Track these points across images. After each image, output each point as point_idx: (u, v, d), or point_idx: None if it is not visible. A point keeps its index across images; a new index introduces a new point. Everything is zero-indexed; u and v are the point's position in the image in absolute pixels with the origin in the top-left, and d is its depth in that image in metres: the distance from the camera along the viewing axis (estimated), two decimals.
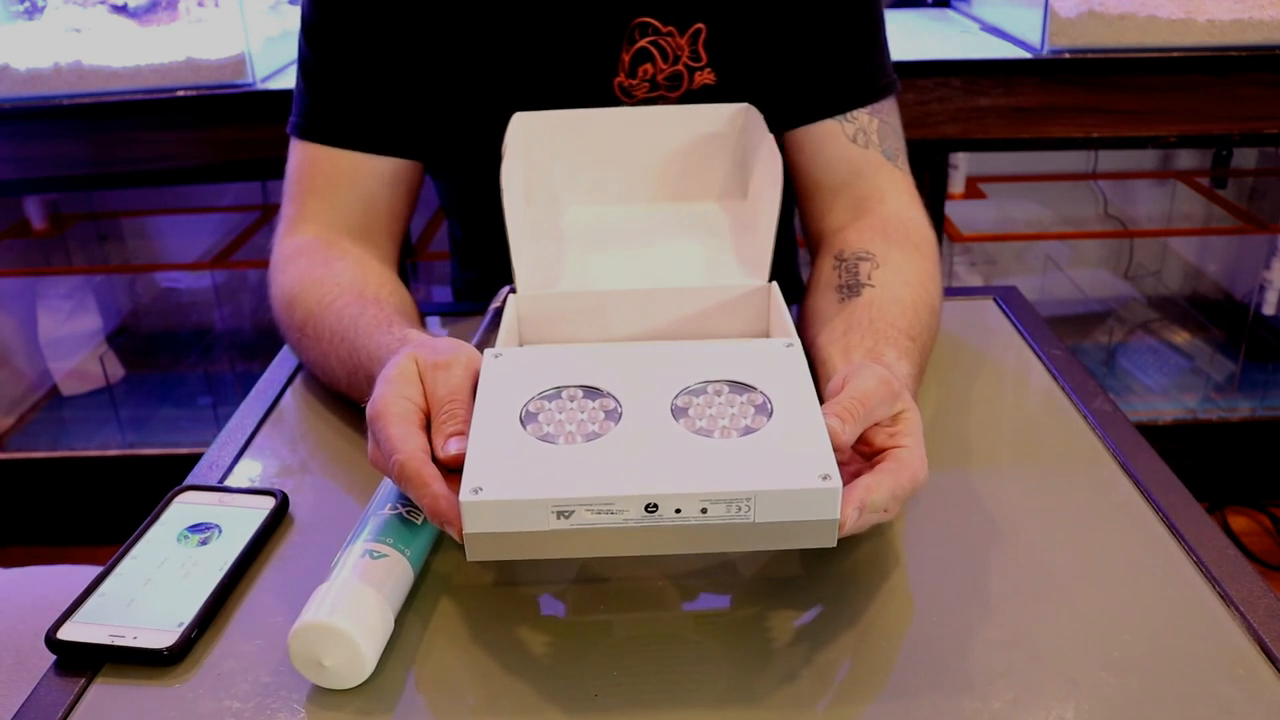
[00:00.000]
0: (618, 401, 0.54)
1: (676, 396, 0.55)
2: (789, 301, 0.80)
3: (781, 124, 0.85)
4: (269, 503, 0.63)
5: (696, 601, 0.56)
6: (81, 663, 0.53)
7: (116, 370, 2.06)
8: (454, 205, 1.01)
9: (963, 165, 1.82)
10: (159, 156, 1.53)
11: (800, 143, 0.85)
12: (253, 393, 0.78)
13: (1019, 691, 0.50)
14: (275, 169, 1.52)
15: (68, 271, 2.05)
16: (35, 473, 1.84)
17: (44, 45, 1.53)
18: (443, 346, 0.60)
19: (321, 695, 0.51)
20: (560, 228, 0.78)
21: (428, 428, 0.55)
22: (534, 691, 0.51)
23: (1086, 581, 0.57)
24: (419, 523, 0.57)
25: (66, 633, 0.53)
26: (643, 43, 0.82)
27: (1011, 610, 0.55)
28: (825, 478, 0.49)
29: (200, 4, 1.61)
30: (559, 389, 0.56)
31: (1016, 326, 0.85)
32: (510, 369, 0.57)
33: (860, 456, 0.57)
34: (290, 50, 1.65)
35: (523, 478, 0.49)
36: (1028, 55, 1.52)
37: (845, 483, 0.50)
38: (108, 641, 0.53)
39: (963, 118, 1.52)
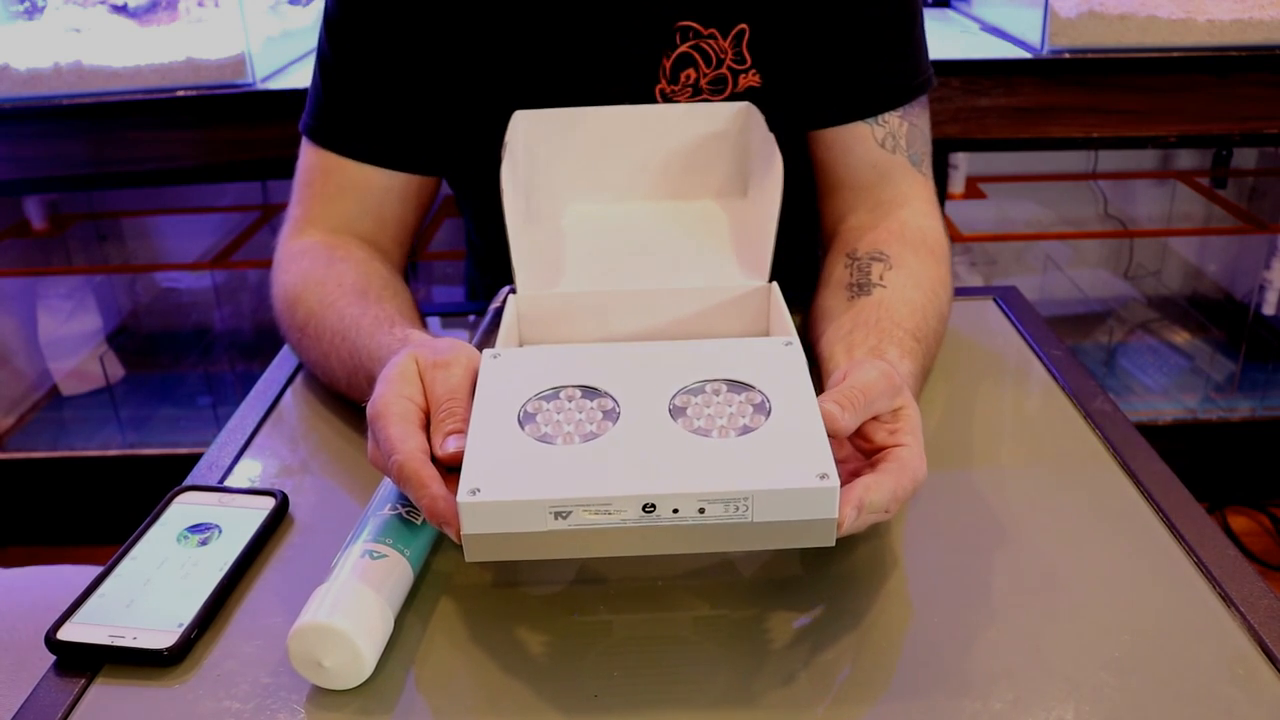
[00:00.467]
0: (616, 401, 0.54)
1: (674, 396, 0.55)
2: (808, 304, 0.80)
3: (812, 123, 0.85)
4: (269, 503, 0.63)
5: (696, 602, 0.56)
6: (81, 663, 0.53)
7: (116, 370, 2.06)
8: (474, 209, 1.00)
9: (963, 165, 1.82)
10: (159, 156, 1.53)
11: (828, 142, 0.84)
12: (253, 393, 0.78)
13: (1019, 692, 0.50)
14: (275, 169, 1.54)
15: (68, 271, 2.05)
16: (35, 473, 1.84)
17: (44, 45, 1.53)
18: (442, 346, 0.60)
19: (321, 696, 0.51)
20: (560, 227, 0.78)
21: (427, 428, 0.55)
22: (534, 691, 0.51)
23: (1086, 582, 0.57)
24: (418, 523, 0.57)
25: (66, 633, 0.53)
26: (684, 47, 0.80)
27: (1011, 611, 0.55)
28: (823, 477, 0.49)
29: (200, 4, 1.61)
30: (557, 389, 0.56)
31: (1016, 326, 0.85)
32: (508, 369, 0.57)
33: (860, 454, 0.57)
34: (290, 50, 1.65)
35: (520, 478, 0.49)
36: (1028, 55, 1.52)
37: (845, 480, 0.50)
38: (107, 642, 0.53)
39: (963, 118, 1.52)
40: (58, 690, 0.51)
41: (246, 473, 0.69)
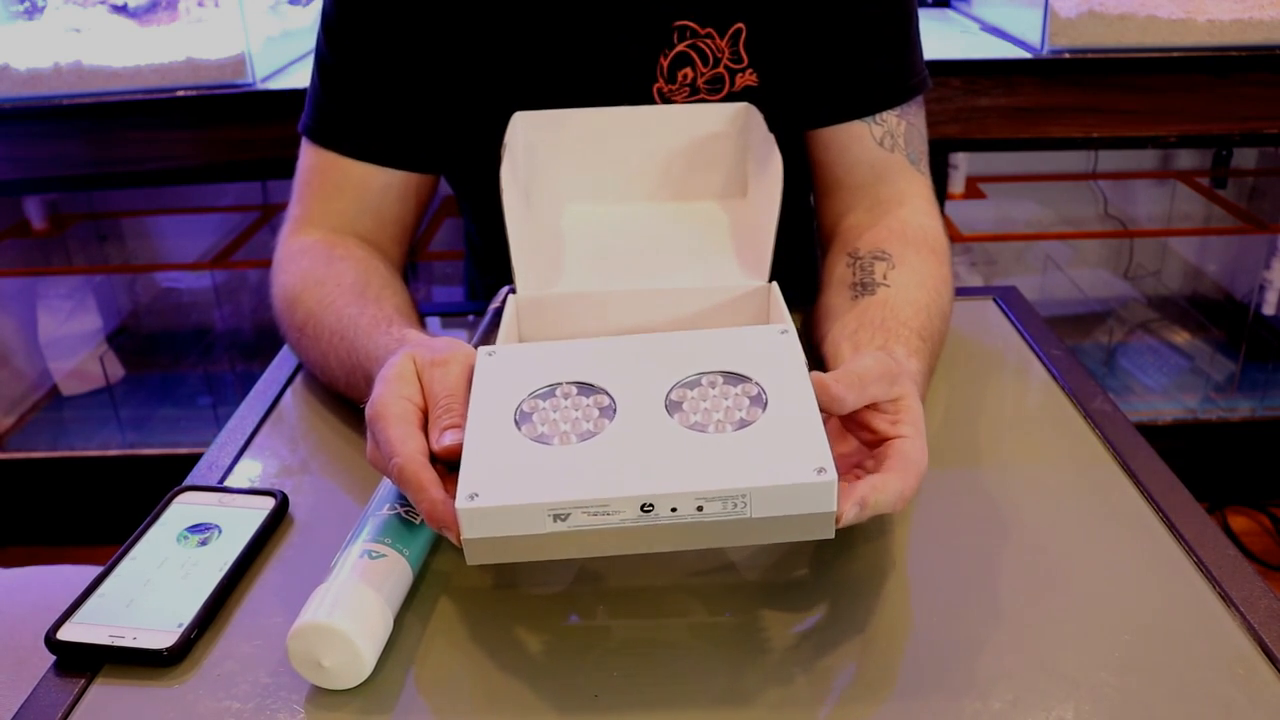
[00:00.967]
0: (611, 397, 0.54)
1: (670, 390, 0.54)
2: (807, 304, 0.79)
3: (809, 122, 0.85)
4: (269, 503, 0.63)
5: (697, 602, 0.56)
6: (81, 663, 0.53)
7: (116, 370, 2.06)
8: (474, 209, 1.00)
9: (963, 165, 1.82)
10: (159, 156, 1.53)
11: (826, 141, 0.84)
12: (253, 393, 0.78)
13: (1019, 692, 0.50)
14: (275, 169, 1.54)
15: (68, 271, 2.05)
16: (35, 473, 1.84)
17: (44, 45, 1.53)
18: (440, 345, 0.60)
19: (321, 696, 0.51)
20: (560, 228, 0.78)
21: (426, 428, 0.55)
22: (534, 692, 0.51)
23: (1086, 582, 0.57)
24: (418, 523, 0.57)
25: (66, 633, 0.53)
26: (681, 46, 0.80)
27: (1012, 610, 0.55)
28: (820, 471, 0.49)
29: (200, 4, 1.61)
30: (553, 386, 0.55)
31: (1016, 326, 0.85)
32: (503, 367, 0.57)
33: (864, 445, 0.57)
34: (290, 50, 1.65)
35: (518, 482, 0.49)
36: (1028, 55, 1.52)
37: (846, 471, 0.50)
38: (107, 642, 0.53)
39: (963, 118, 1.52)
40: (58, 690, 0.51)
41: (246, 473, 0.69)
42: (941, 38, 1.66)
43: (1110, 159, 2.00)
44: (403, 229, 0.87)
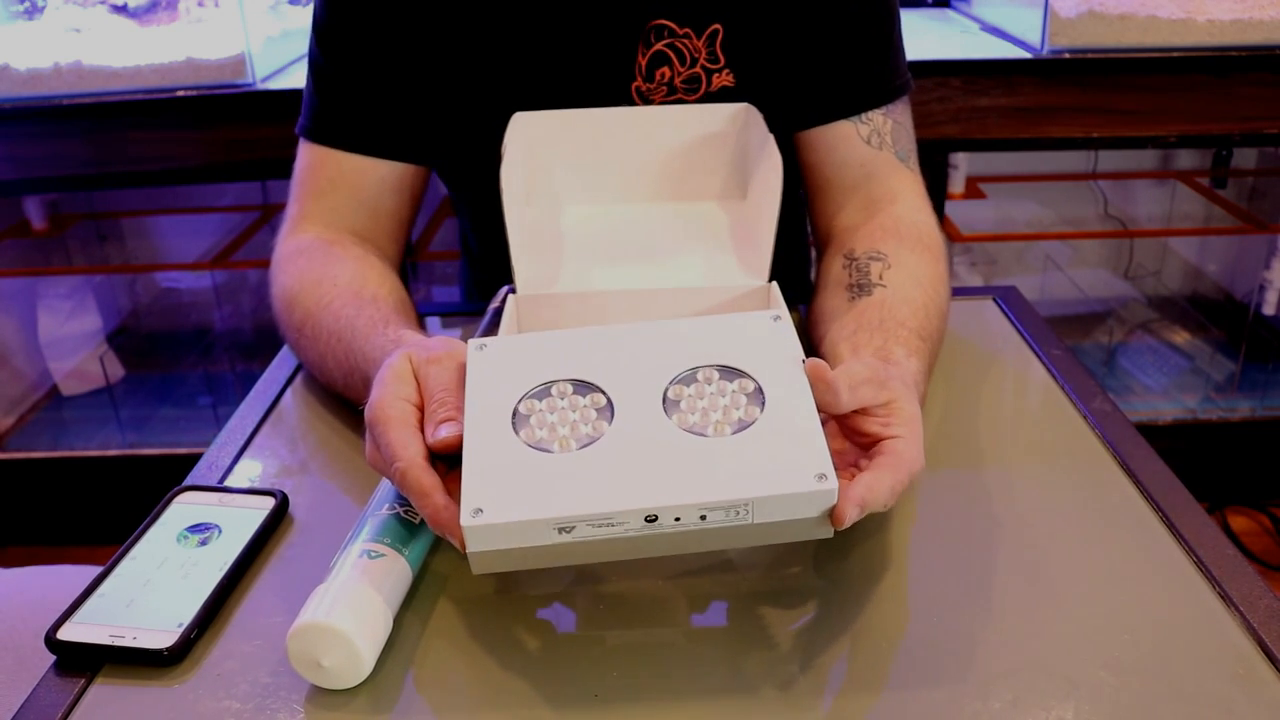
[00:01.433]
0: (608, 397, 0.54)
1: (667, 388, 0.54)
2: (799, 303, 0.80)
3: (796, 124, 0.85)
4: (269, 503, 0.63)
5: (696, 602, 0.56)
6: (81, 663, 0.53)
7: (116, 370, 2.06)
8: (468, 208, 1.01)
9: (963, 165, 1.82)
10: (159, 156, 1.53)
11: (814, 142, 0.85)
12: (253, 393, 0.78)
13: (1019, 692, 0.50)
14: (275, 169, 1.54)
15: (68, 271, 2.05)
16: (35, 473, 1.84)
17: (44, 45, 1.53)
18: (434, 344, 0.60)
19: (321, 695, 0.51)
20: (560, 228, 0.78)
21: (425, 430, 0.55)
22: (533, 691, 0.51)
23: (1086, 582, 0.57)
24: (417, 523, 0.57)
25: (66, 633, 0.53)
26: (659, 46, 0.81)
27: (1011, 610, 0.55)
28: (821, 477, 0.49)
29: (200, 4, 1.61)
30: (548, 385, 0.55)
31: (1016, 326, 0.85)
32: (496, 361, 0.56)
33: (857, 446, 0.57)
34: (290, 50, 1.65)
35: (522, 496, 0.49)
36: (1028, 55, 1.52)
37: (841, 468, 0.50)
38: (107, 642, 0.53)
39: (963, 118, 1.52)
40: (58, 690, 0.51)
41: (246, 473, 0.69)
42: (941, 38, 1.65)
43: (1110, 159, 2.00)
44: (397, 223, 0.88)
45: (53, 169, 1.56)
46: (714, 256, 0.75)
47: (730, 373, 0.54)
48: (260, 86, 1.52)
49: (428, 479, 0.52)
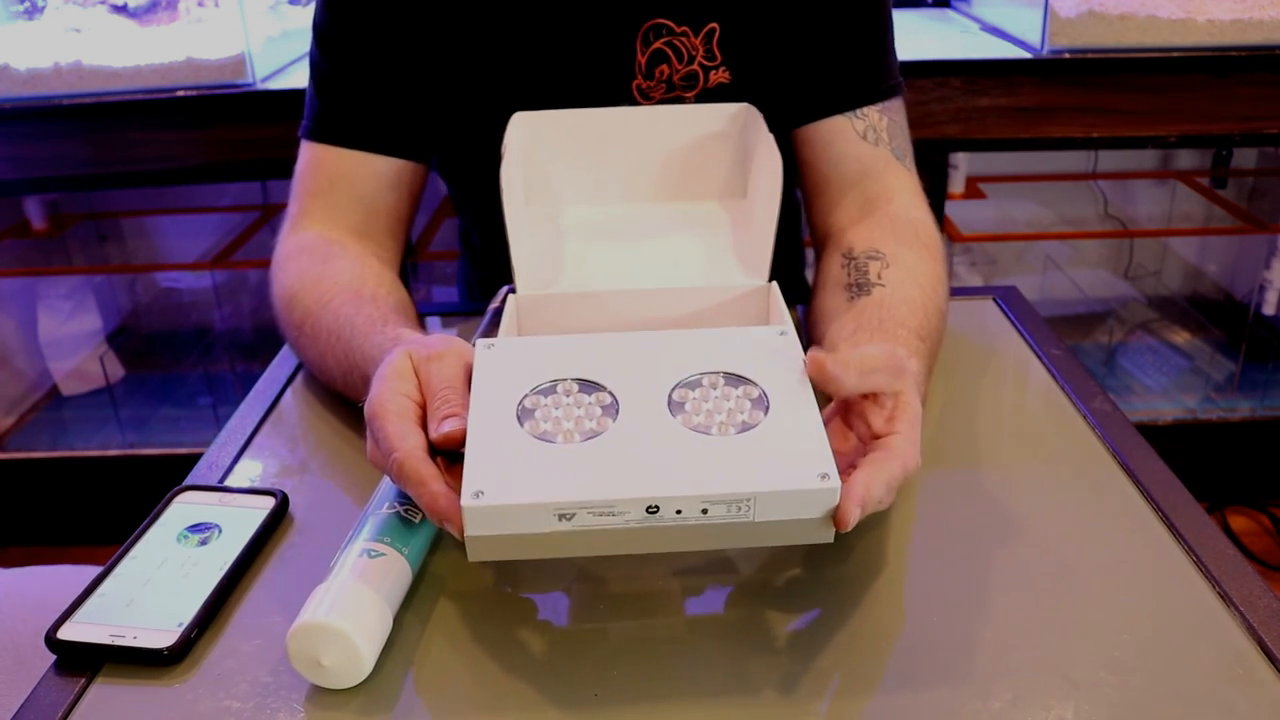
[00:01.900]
0: (614, 396, 0.54)
1: (673, 390, 0.54)
2: (794, 303, 0.80)
3: (793, 121, 0.86)
4: (269, 503, 0.63)
5: (696, 602, 0.56)
6: (81, 663, 0.53)
7: (116, 370, 2.06)
8: (467, 206, 1.01)
9: (963, 165, 1.82)
10: (159, 156, 1.53)
11: (810, 139, 0.85)
12: (253, 393, 0.78)
13: (1019, 691, 0.50)
14: (275, 169, 1.54)
15: (68, 271, 2.05)
16: (35, 473, 1.84)
17: (44, 45, 1.53)
18: (434, 341, 0.60)
19: (320, 695, 0.51)
20: (560, 227, 0.78)
21: (425, 424, 0.55)
22: (533, 691, 0.51)
23: (1086, 581, 0.57)
24: (417, 521, 0.57)
25: (66, 633, 0.53)
26: (658, 44, 0.82)
27: (1011, 610, 0.55)
28: (824, 477, 0.49)
29: (200, 4, 1.61)
30: (554, 383, 0.55)
31: (1016, 326, 0.85)
32: (503, 360, 0.57)
33: (860, 442, 0.57)
34: (290, 50, 1.65)
35: (524, 481, 0.49)
36: (1028, 55, 1.52)
37: (843, 469, 0.51)
38: (108, 641, 0.53)
39: (963, 118, 1.52)
40: (58, 690, 0.51)
41: (246, 473, 0.69)
42: (941, 38, 1.65)
43: (1110, 159, 2.00)
44: (396, 220, 0.88)
45: (53, 169, 1.56)
46: (714, 256, 0.75)
47: (735, 380, 0.55)
48: (260, 86, 1.52)
49: (426, 468, 0.52)
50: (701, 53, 0.82)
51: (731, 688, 0.50)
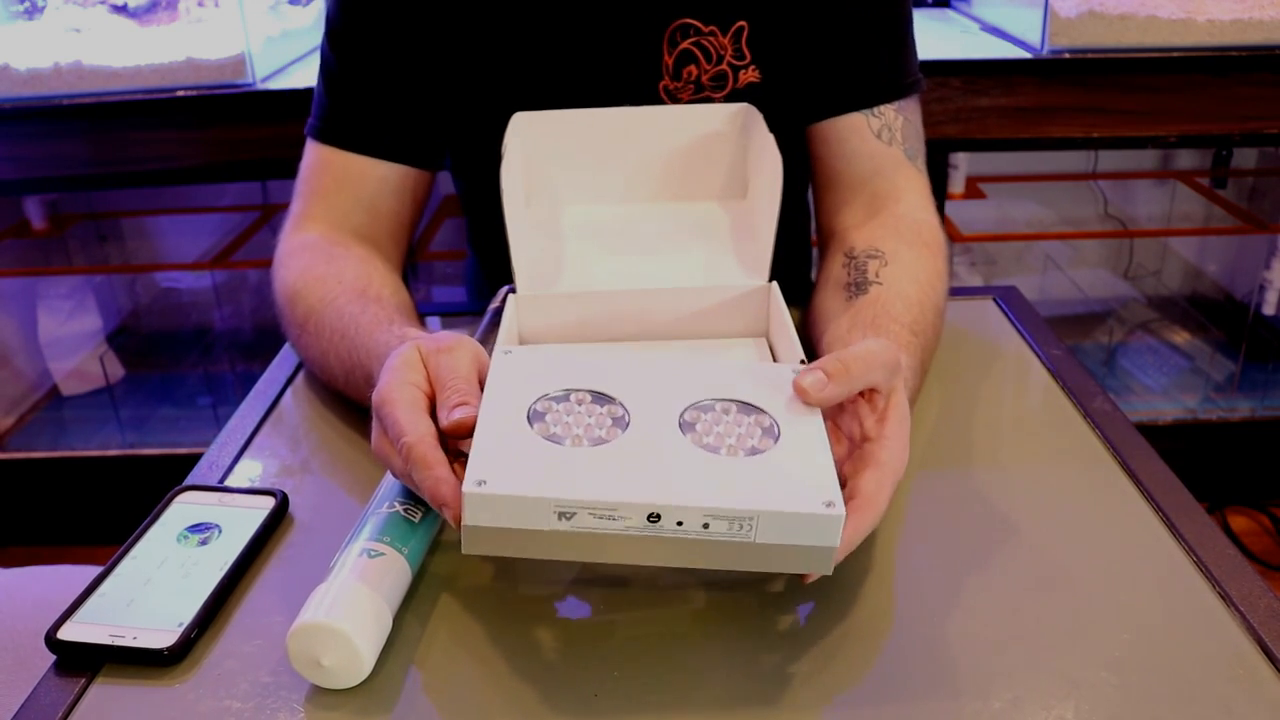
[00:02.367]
0: (626, 410, 0.54)
1: (685, 411, 0.55)
2: (800, 304, 0.80)
3: (809, 117, 0.85)
4: (269, 503, 0.63)
5: (696, 601, 0.56)
6: (81, 663, 0.53)
7: (116, 370, 2.06)
8: (480, 206, 1.01)
9: (963, 165, 1.82)
10: (159, 156, 1.53)
11: (824, 135, 0.85)
12: (253, 393, 0.78)
13: (1019, 691, 0.50)
14: (275, 169, 1.54)
15: (68, 271, 2.05)
16: (35, 473, 1.84)
17: (44, 45, 1.53)
18: (443, 336, 0.60)
19: (320, 695, 0.51)
20: (560, 228, 0.78)
21: (434, 415, 0.55)
22: (533, 691, 0.51)
23: (1086, 582, 0.57)
24: (417, 520, 0.57)
25: (66, 633, 0.53)
26: (685, 44, 0.81)
27: (1012, 610, 0.55)
28: (829, 505, 0.49)
29: (200, 4, 1.61)
30: (568, 391, 0.55)
31: (1016, 326, 0.85)
32: (520, 367, 0.57)
33: (849, 443, 0.57)
34: (290, 50, 1.65)
35: (527, 474, 0.49)
36: (1028, 55, 1.52)
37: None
38: (108, 641, 0.53)
39: (963, 118, 1.52)
40: (58, 690, 0.51)
41: (246, 473, 0.69)
42: (941, 38, 1.65)
43: (1110, 159, 2.00)
44: (399, 225, 0.88)
45: (53, 169, 1.56)
46: (714, 256, 0.75)
47: (748, 408, 0.55)
48: (260, 86, 1.52)
49: (434, 453, 0.52)
50: (730, 52, 0.82)
51: (731, 687, 0.50)
